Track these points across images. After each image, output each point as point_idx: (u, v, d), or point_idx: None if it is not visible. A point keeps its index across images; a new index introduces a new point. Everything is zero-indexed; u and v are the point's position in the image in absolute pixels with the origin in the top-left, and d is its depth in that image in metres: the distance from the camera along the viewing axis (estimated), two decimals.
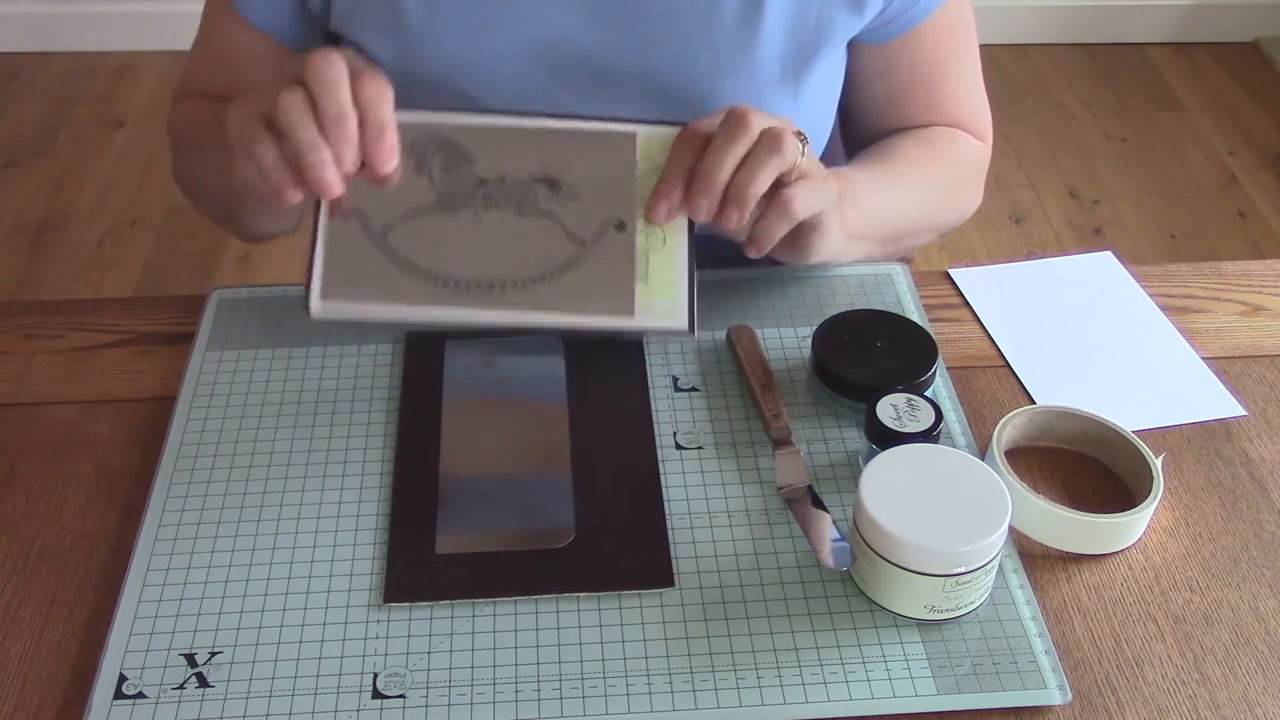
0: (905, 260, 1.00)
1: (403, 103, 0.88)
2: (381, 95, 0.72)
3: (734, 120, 0.75)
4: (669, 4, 0.87)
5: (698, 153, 0.76)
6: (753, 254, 0.79)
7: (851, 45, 0.95)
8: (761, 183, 0.75)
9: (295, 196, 0.71)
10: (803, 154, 0.77)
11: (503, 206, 0.76)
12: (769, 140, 0.75)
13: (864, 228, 0.89)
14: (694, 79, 0.89)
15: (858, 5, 0.89)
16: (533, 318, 0.76)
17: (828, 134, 1.00)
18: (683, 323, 0.77)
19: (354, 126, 0.70)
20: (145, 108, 2.69)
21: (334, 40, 0.93)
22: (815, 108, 0.95)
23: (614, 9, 0.87)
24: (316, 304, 0.75)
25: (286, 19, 0.92)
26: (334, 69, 0.70)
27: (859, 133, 1.04)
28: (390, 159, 0.72)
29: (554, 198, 0.76)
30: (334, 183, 0.70)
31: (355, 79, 0.71)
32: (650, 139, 0.77)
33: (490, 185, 0.76)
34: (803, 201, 0.77)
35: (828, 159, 0.99)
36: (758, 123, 0.75)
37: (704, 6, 0.88)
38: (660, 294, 0.76)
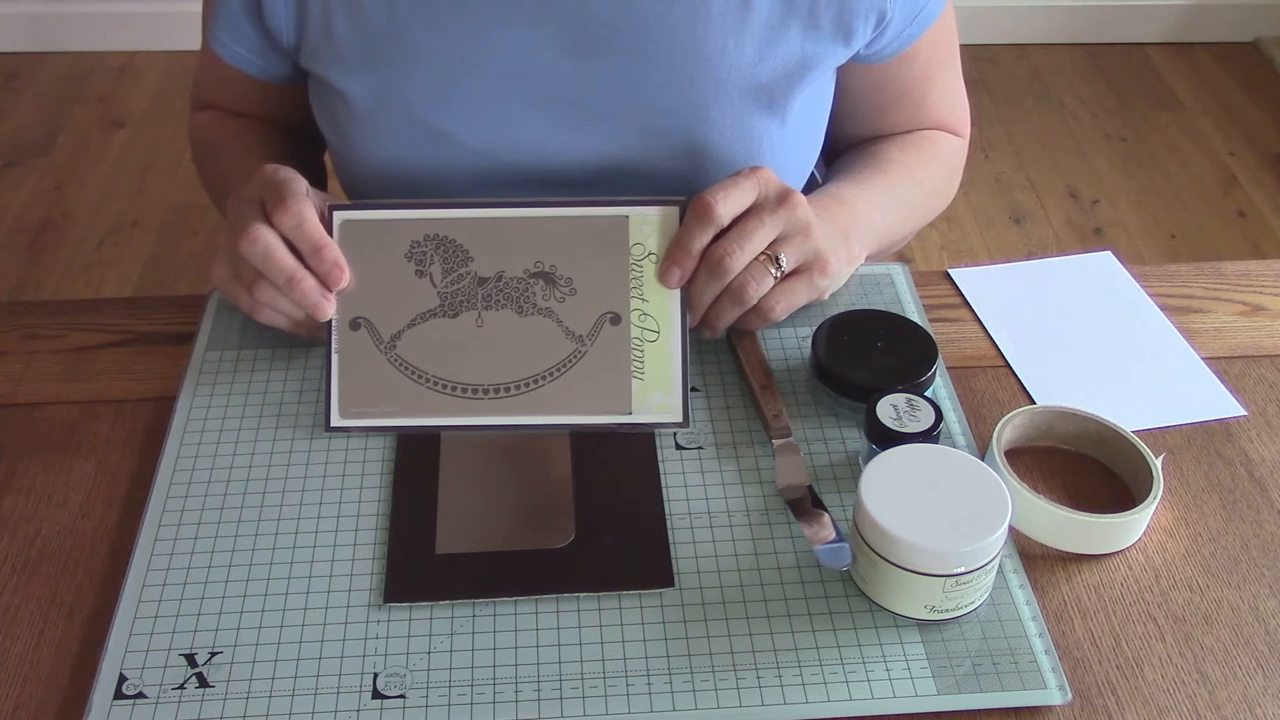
0: (905, 260, 1.00)
1: (378, 145, 0.88)
2: (299, 220, 0.76)
3: (729, 249, 0.77)
4: (650, 35, 0.86)
5: (707, 229, 0.77)
6: (705, 335, 0.83)
7: (842, 66, 0.94)
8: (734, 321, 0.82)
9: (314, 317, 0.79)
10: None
11: (503, 306, 0.79)
12: (755, 272, 0.78)
13: (867, 250, 0.89)
14: (677, 109, 0.88)
15: (845, 37, 0.89)
16: (535, 420, 0.79)
17: (817, 154, 0.99)
18: (677, 416, 0.79)
19: (307, 279, 0.77)
20: (145, 108, 2.69)
21: (304, 74, 0.94)
22: (803, 131, 0.94)
23: (592, 40, 0.86)
24: (336, 420, 0.79)
25: (257, 54, 0.93)
26: (258, 243, 0.75)
27: (841, 140, 1.03)
28: (339, 275, 0.77)
29: (551, 293, 0.79)
30: (323, 309, 0.78)
31: (272, 212, 0.76)
32: (642, 221, 0.79)
33: (490, 284, 0.79)
34: (784, 309, 0.82)
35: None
36: (755, 242, 0.78)
37: (686, 37, 0.86)
38: (655, 389, 0.79)
